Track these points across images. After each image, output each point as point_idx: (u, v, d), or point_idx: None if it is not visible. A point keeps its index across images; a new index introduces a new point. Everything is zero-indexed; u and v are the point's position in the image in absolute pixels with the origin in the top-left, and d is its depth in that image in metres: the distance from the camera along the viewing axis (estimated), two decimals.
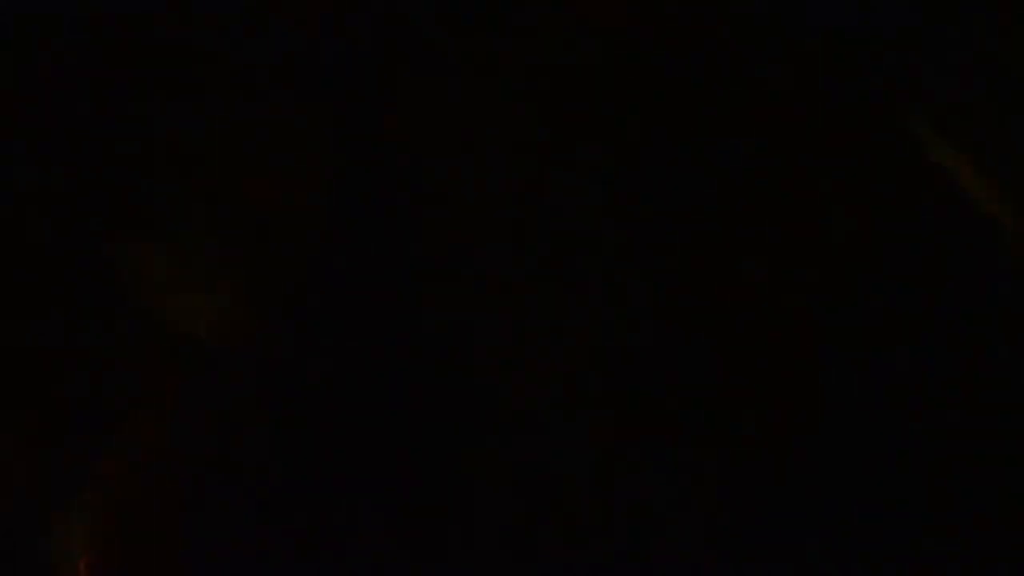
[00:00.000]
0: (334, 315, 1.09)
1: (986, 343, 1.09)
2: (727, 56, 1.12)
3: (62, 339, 1.09)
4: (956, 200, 1.10)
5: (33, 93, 1.11)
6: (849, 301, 1.09)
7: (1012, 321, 1.09)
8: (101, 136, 1.11)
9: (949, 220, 1.11)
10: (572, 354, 1.10)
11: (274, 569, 1.06)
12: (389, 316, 1.10)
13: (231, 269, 1.10)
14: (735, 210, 1.10)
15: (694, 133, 1.11)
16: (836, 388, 1.08)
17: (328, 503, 1.07)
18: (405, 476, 1.08)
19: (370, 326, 1.10)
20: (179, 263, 1.10)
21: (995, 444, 1.07)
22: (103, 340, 1.08)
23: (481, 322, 1.10)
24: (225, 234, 1.10)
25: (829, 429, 1.08)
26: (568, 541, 1.07)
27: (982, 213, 1.10)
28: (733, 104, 1.12)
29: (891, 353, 1.09)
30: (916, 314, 1.09)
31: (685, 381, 1.09)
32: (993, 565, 1.05)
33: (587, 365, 1.09)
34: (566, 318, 1.10)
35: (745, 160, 1.11)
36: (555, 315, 1.10)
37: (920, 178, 1.11)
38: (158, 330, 1.10)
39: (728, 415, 1.08)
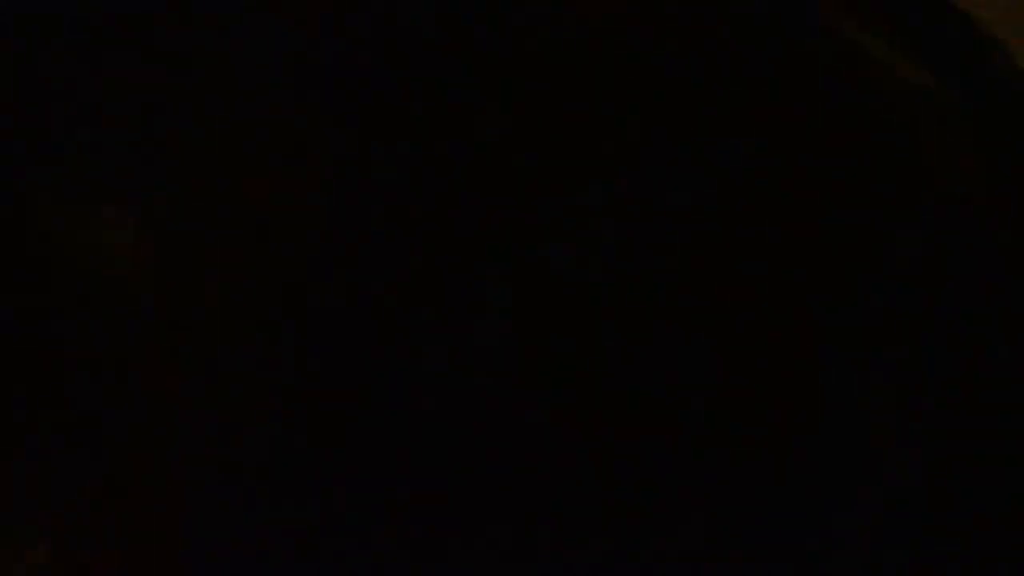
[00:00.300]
0: (332, 315, 1.09)
1: (986, 343, 1.09)
2: (727, 56, 1.12)
3: (63, 336, 1.09)
4: (956, 199, 1.11)
5: (32, 92, 1.11)
6: (849, 301, 1.10)
7: (1011, 321, 1.09)
8: (100, 135, 1.11)
9: (949, 220, 1.11)
10: (572, 354, 1.10)
11: (273, 569, 1.06)
12: (389, 317, 1.10)
13: (231, 267, 1.11)
14: (735, 210, 1.11)
15: (694, 133, 1.12)
16: (836, 388, 1.08)
17: (327, 503, 1.07)
18: (404, 476, 1.08)
19: (369, 326, 1.10)
20: (180, 263, 1.10)
21: (995, 444, 1.07)
22: (101, 337, 1.09)
23: (481, 322, 1.10)
24: (225, 234, 1.11)
25: (829, 429, 1.08)
26: (565, 542, 1.07)
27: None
28: (733, 104, 1.12)
29: (892, 352, 1.09)
30: (916, 313, 1.09)
31: (684, 381, 1.09)
32: (993, 565, 1.05)
33: (586, 365, 1.10)
34: (564, 317, 1.10)
35: (745, 160, 1.11)
36: (554, 314, 1.10)
37: (920, 177, 1.11)
38: (158, 327, 1.10)
39: (728, 415, 1.08)
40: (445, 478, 1.06)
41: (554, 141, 1.11)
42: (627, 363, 1.08)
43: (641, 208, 1.10)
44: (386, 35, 1.13)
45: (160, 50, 1.11)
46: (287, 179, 1.11)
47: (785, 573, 1.06)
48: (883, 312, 1.09)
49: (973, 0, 1.21)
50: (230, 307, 1.10)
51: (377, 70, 1.13)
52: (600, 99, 1.12)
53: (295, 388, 1.08)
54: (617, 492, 1.07)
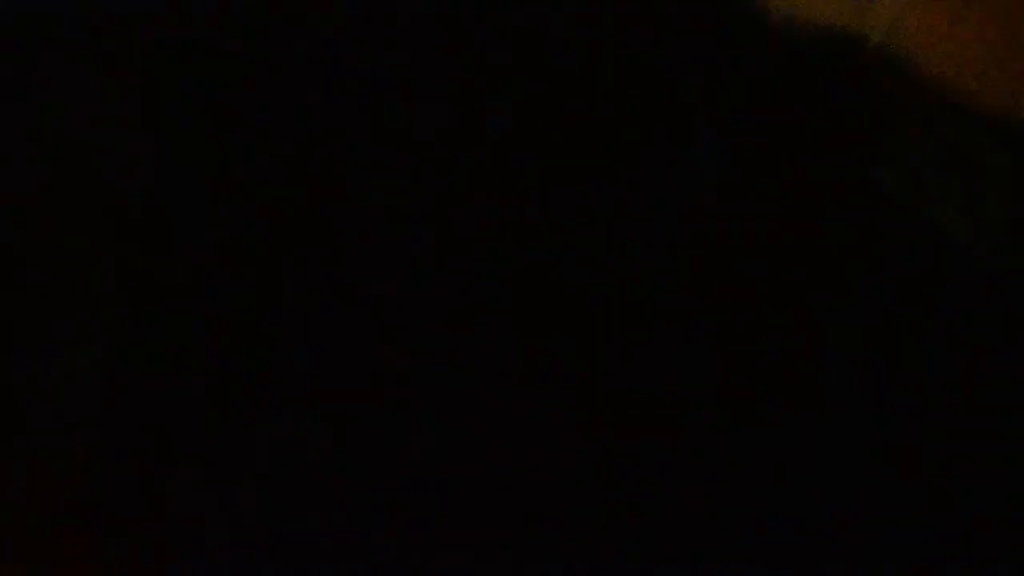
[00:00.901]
0: (321, 310, 1.09)
1: (984, 345, 1.09)
2: (727, 56, 1.12)
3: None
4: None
5: (33, 94, 1.12)
6: (849, 301, 1.09)
7: (1010, 323, 1.09)
8: (105, 134, 1.11)
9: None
10: (571, 355, 1.10)
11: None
12: (389, 320, 1.10)
13: (229, 265, 1.11)
14: (735, 210, 1.10)
15: (694, 133, 1.12)
16: (836, 388, 1.08)
17: (324, 500, 1.07)
18: (401, 475, 1.08)
19: (368, 329, 1.10)
20: (177, 263, 1.11)
21: (995, 444, 1.07)
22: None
23: (481, 323, 1.10)
24: (224, 234, 1.11)
25: (829, 429, 1.08)
26: (564, 542, 1.07)
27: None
28: (733, 104, 1.12)
29: (890, 353, 1.09)
30: (915, 315, 1.09)
31: (684, 381, 1.09)
32: (993, 565, 1.05)
33: (586, 364, 1.09)
34: (563, 317, 1.10)
35: (746, 160, 1.11)
36: (554, 314, 1.10)
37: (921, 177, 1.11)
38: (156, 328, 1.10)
39: (728, 415, 1.08)
40: (446, 477, 1.06)
41: (554, 141, 1.11)
42: (627, 363, 1.08)
43: (641, 208, 1.10)
44: (386, 35, 1.13)
45: (160, 49, 1.11)
46: (287, 179, 1.11)
47: (785, 572, 1.05)
48: (883, 312, 1.09)
49: None
50: (229, 304, 1.10)
51: (377, 69, 1.13)
52: (600, 99, 1.12)
53: (294, 387, 1.08)
54: (617, 492, 1.06)
